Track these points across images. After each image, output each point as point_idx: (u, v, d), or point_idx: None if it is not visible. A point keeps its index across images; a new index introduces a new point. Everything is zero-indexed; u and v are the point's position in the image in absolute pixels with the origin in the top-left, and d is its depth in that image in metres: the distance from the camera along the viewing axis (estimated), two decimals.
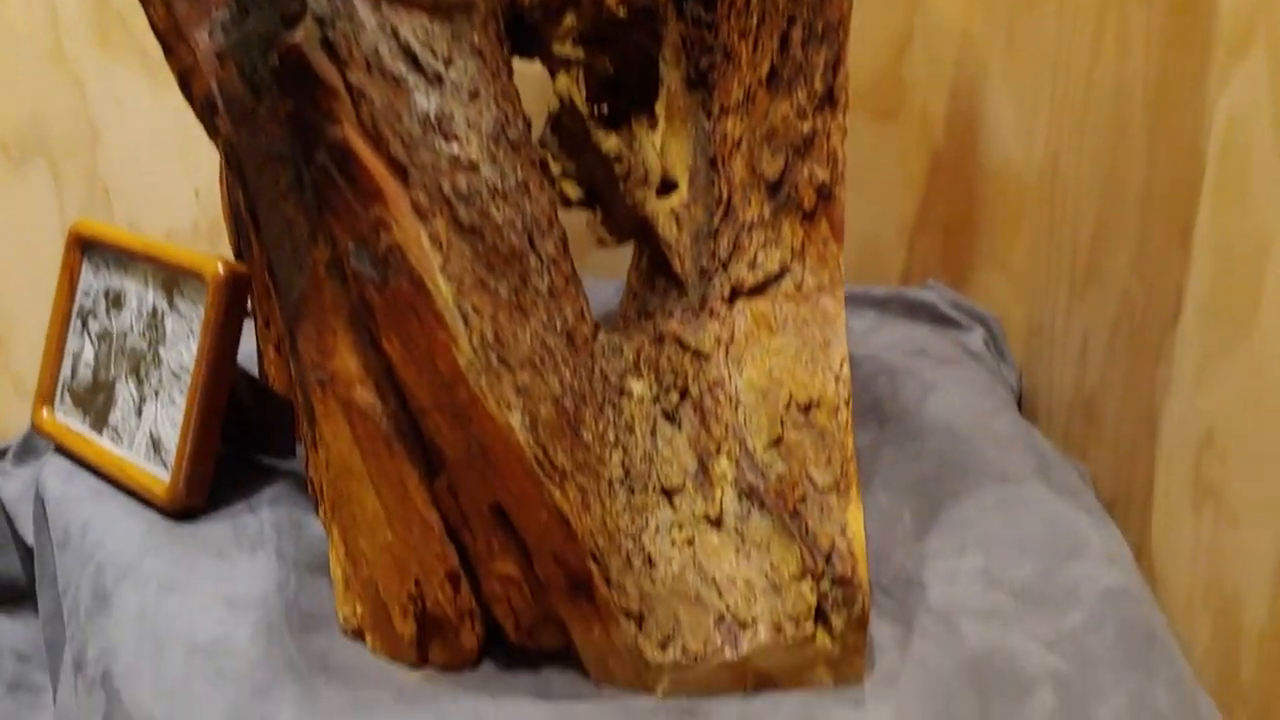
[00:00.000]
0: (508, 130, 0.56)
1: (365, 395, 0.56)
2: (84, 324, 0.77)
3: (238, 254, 0.72)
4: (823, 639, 0.57)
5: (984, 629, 0.61)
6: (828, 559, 0.58)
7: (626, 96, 0.67)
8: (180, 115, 0.68)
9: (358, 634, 0.61)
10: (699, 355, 0.63)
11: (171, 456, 0.70)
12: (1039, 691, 0.57)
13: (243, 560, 0.66)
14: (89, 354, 0.77)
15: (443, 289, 0.53)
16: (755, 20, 0.64)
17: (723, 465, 0.61)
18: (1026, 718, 0.56)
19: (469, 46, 0.55)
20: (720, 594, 0.58)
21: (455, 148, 0.54)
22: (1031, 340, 0.91)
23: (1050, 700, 0.57)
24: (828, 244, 0.64)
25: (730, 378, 0.63)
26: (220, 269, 0.69)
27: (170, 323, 0.72)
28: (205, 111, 0.63)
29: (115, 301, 0.76)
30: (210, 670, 0.58)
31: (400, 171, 0.52)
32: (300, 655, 0.58)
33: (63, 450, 0.77)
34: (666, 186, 0.66)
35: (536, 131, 0.62)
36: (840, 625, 0.57)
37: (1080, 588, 0.63)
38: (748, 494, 0.60)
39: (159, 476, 0.71)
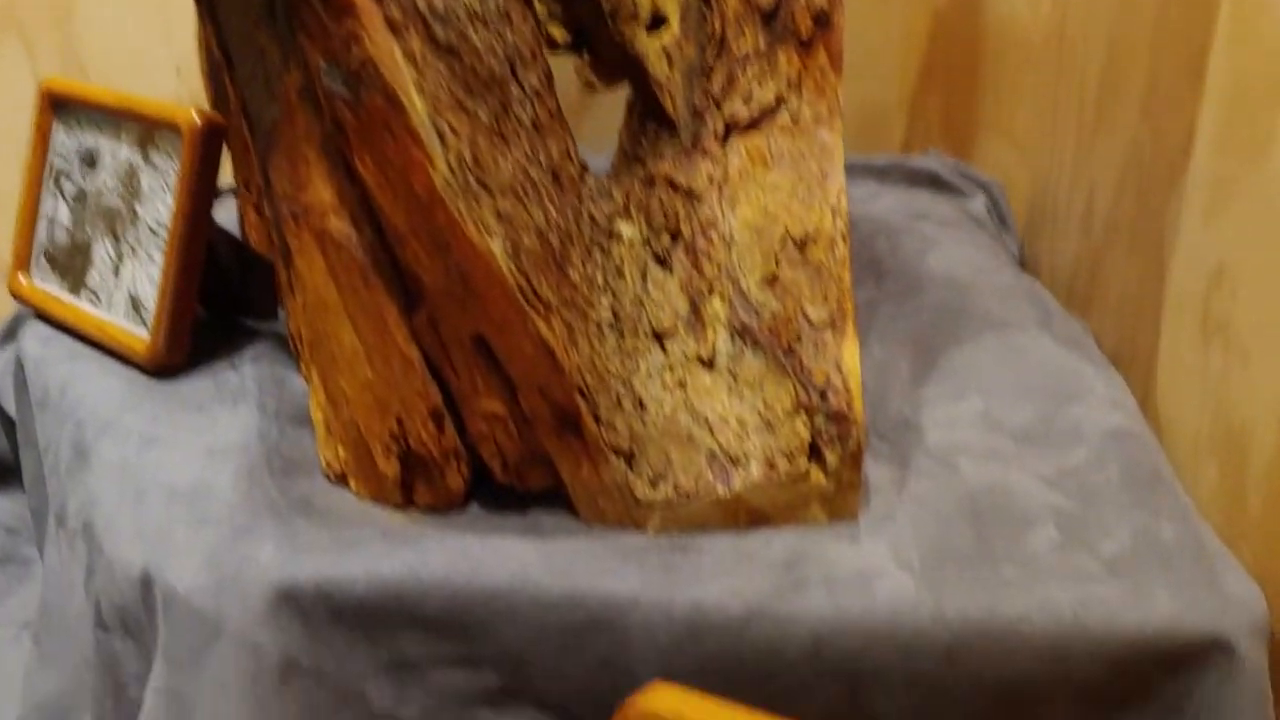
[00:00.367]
0: None
1: (340, 225, 0.54)
2: (58, 185, 0.75)
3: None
4: (817, 475, 0.56)
5: (983, 468, 0.59)
6: (822, 395, 0.56)
7: None
8: None
9: (341, 479, 0.59)
10: (691, 195, 0.61)
11: (151, 315, 0.69)
12: (1040, 526, 0.56)
13: (224, 413, 0.64)
14: (64, 216, 0.74)
15: (417, 104, 0.50)
16: None
17: (715, 306, 0.59)
18: (1028, 549, 0.54)
19: None
20: (712, 432, 0.57)
21: None
22: (1035, 204, 0.88)
23: (1053, 534, 0.55)
24: (825, 74, 0.61)
25: (724, 217, 0.60)
26: (195, 117, 0.67)
27: (146, 178, 0.70)
28: None
29: (89, 160, 0.73)
30: (190, 515, 0.57)
31: None
32: (282, 498, 0.57)
33: (42, 315, 0.75)
34: (656, 22, 0.63)
35: None
36: (834, 461, 0.56)
37: (1083, 428, 0.62)
38: (740, 333, 0.58)
39: (139, 335, 0.69)
